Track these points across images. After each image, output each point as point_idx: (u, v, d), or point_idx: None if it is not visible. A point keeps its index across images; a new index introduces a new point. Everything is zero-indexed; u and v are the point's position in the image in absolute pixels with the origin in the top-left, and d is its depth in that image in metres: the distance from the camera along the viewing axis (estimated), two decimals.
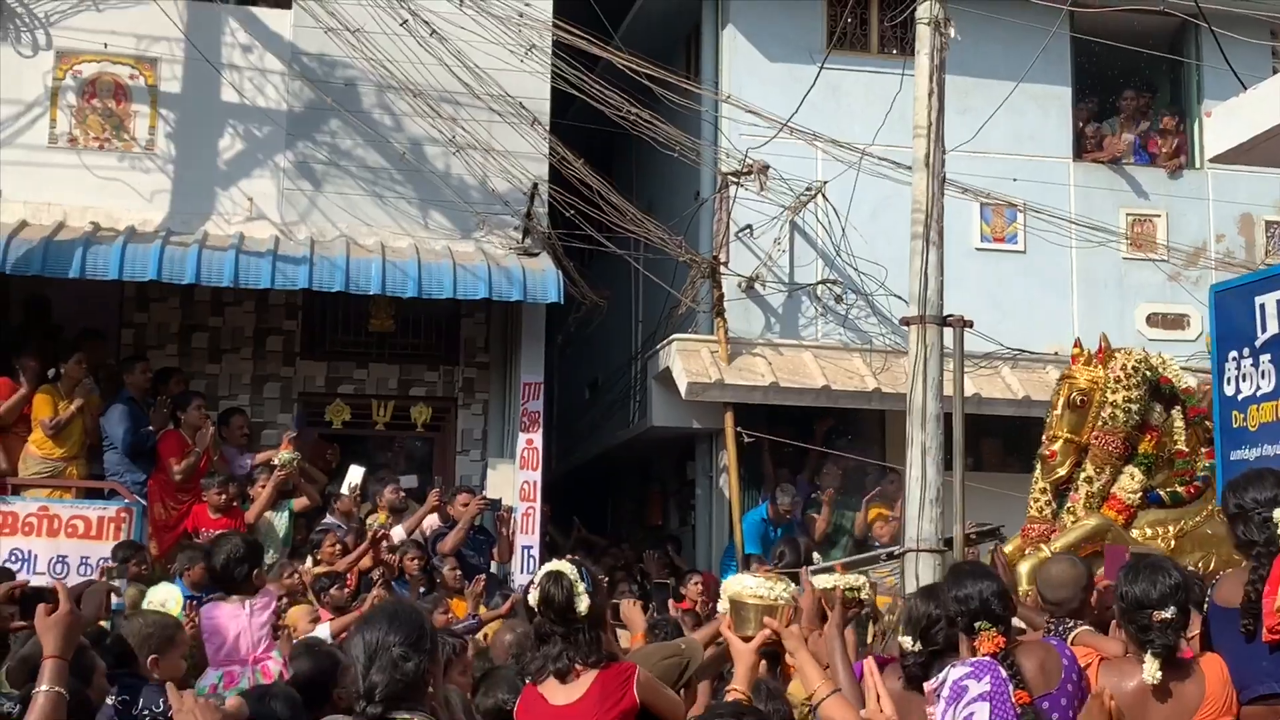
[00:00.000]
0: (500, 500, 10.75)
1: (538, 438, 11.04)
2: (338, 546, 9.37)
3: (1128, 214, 12.97)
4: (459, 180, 11.46)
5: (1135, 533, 7.76)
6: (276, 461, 9.58)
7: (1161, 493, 7.89)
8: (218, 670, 5.07)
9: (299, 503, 9.86)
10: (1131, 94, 13.36)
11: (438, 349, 11.96)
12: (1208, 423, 8.49)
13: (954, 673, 4.07)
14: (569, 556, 4.34)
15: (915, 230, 6.53)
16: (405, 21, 10.78)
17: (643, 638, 4.98)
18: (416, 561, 9.35)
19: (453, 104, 11.26)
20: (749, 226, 12.08)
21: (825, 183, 12.00)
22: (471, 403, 11.89)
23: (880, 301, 12.10)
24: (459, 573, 9.53)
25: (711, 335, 11.82)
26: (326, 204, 11.31)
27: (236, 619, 5.13)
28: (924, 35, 6.55)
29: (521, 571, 10.60)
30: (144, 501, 9.60)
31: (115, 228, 10.67)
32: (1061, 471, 7.71)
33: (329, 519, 10.07)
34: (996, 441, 12.49)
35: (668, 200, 13.40)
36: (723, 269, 11.83)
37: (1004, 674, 3.97)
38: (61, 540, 9.35)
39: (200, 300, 11.44)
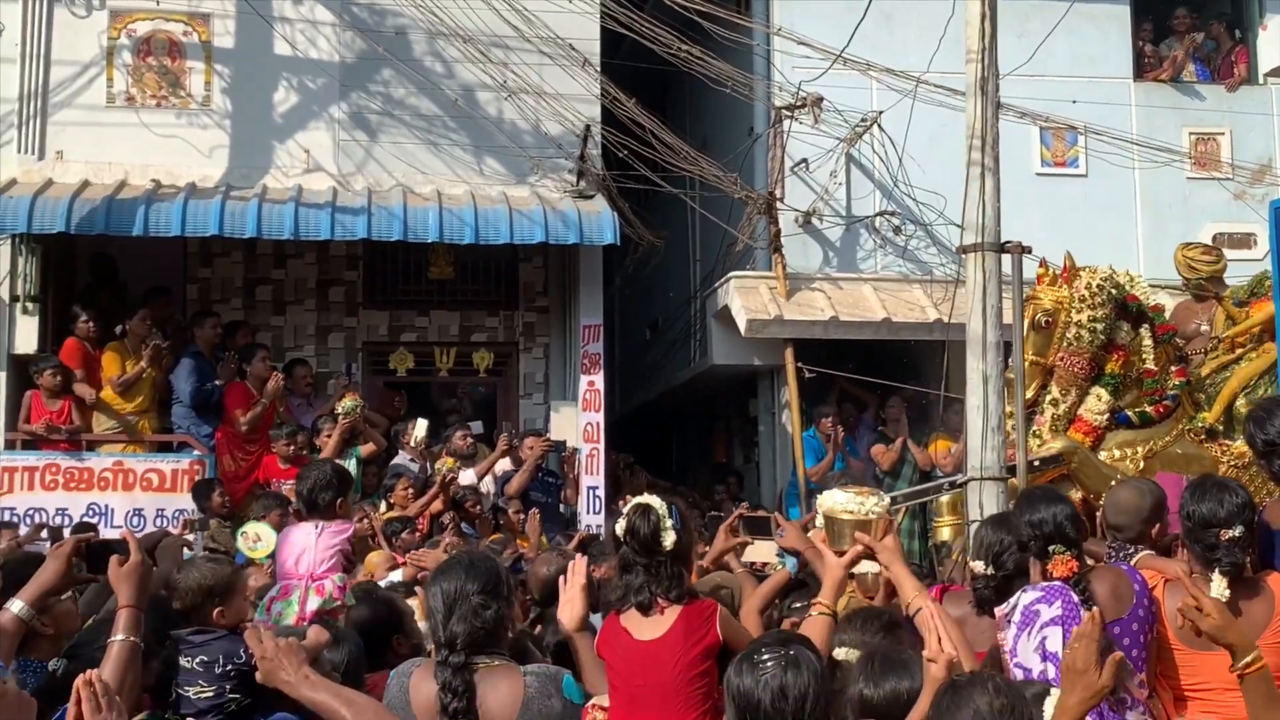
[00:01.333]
0: (564, 442, 10.82)
1: (599, 379, 11.08)
2: (409, 490, 9.48)
3: (1190, 133, 12.72)
4: (512, 125, 11.45)
5: (1103, 454, 7.66)
6: (340, 410, 9.70)
7: (1130, 413, 7.80)
8: (277, 584, 5.19)
9: (366, 449, 9.98)
10: (1187, 11, 13.06)
11: (497, 294, 12.02)
12: (1178, 340, 8.38)
13: (1025, 597, 4.07)
14: (660, 494, 4.40)
15: (972, 157, 6.44)
16: None
17: (695, 577, 5.03)
18: (477, 506, 9.45)
19: (503, 48, 11.22)
20: (804, 160, 12.00)
21: (880, 113, 11.87)
22: (533, 347, 11.96)
23: (939, 231, 12.00)
24: (523, 515, 9.62)
25: (769, 271, 11.79)
26: (382, 154, 11.36)
27: (306, 536, 5.24)
28: None
29: (588, 511, 10.69)
30: (213, 454, 9.77)
31: (176, 184, 10.77)
32: (1028, 394, 7.63)
33: (400, 459, 10.20)
34: None
35: (722, 137, 13.32)
36: (779, 204, 11.76)
37: (1076, 599, 3.97)
38: (137, 494, 9.56)
39: (263, 254, 11.56)
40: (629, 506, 4.22)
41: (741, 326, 11.44)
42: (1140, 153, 12.17)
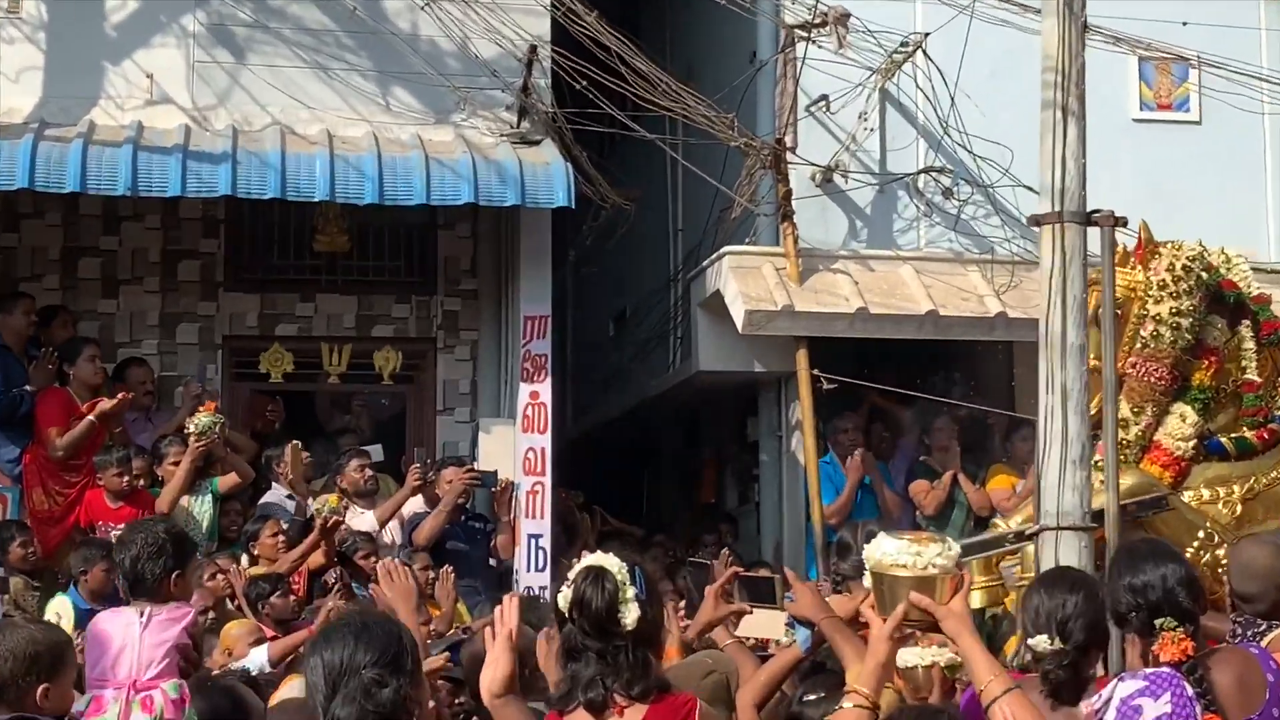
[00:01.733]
0: (495, 474, 10.77)
1: (545, 390, 11.03)
2: (281, 538, 9.42)
3: None
4: (430, 44, 11.39)
5: (1188, 494, 7.69)
6: (192, 429, 9.62)
7: (1224, 439, 7.83)
8: (86, 691, 5.09)
9: (225, 481, 9.90)
10: None
11: (409, 274, 11.97)
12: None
13: (1123, 688, 4.07)
14: (618, 551, 4.39)
15: (1047, 97, 6.44)
16: None
17: (678, 653, 5.00)
18: (370, 559, 9.40)
19: None
20: (824, 98, 11.99)
21: (926, 35, 11.88)
22: (456, 344, 11.91)
23: (1004, 195, 11.99)
24: (432, 573, 9.56)
25: (776, 246, 11.77)
26: (252, 80, 11.26)
27: (127, 629, 5.15)
28: None
29: (529, 568, 10.65)
30: (19, 485, 9.67)
31: None
32: (1090, 412, 7.67)
33: (272, 496, 10.13)
34: None
35: (713, 65, 13.31)
36: (790, 156, 11.75)
37: (1189, 691, 3.97)
38: None
39: (88, 214, 11.47)
40: (577, 570, 4.20)
41: (738, 320, 11.43)
42: (1272, 93, 12.22)
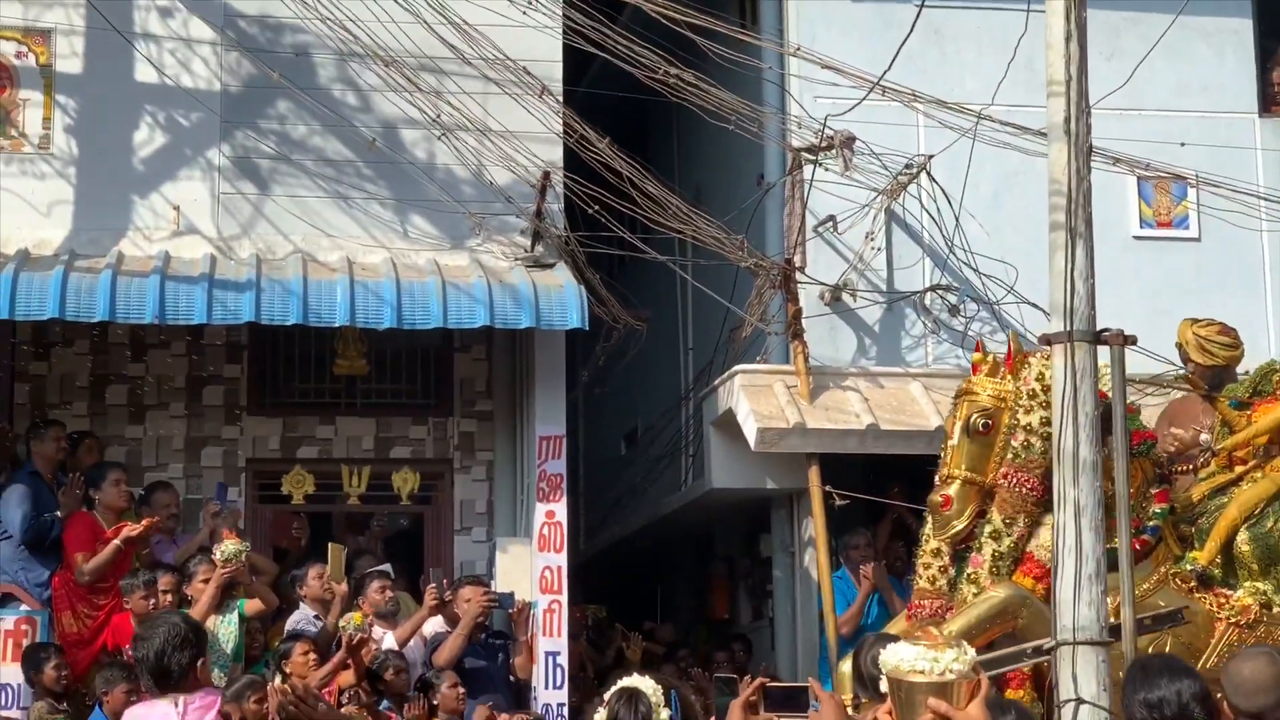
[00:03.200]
0: (513, 594, 10.77)
1: (561, 509, 11.04)
2: (312, 656, 9.40)
3: None
4: (446, 172, 11.52)
5: None
6: (218, 556, 9.63)
7: None
8: None
9: (251, 606, 9.90)
10: None
11: (425, 396, 12.03)
12: (1162, 451, 8.36)
13: None
14: (655, 675, 4.40)
15: (1055, 219, 6.51)
16: None
17: None
18: (402, 675, 9.38)
19: (436, 73, 11.32)
20: (832, 218, 12.09)
21: (931, 157, 11.99)
22: (472, 465, 11.93)
23: (1010, 313, 12.06)
24: (461, 690, 9.55)
25: (787, 364, 11.82)
26: (275, 211, 11.40)
27: (165, 718, 5.16)
28: None
29: (546, 685, 10.61)
30: (49, 609, 9.69)
31: (2, 252, 10.77)
32: (960, 525, 7.63)
33: (299, 616, 10.12)
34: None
35: (722, 188, 13.44)
36: (799, 276, 11.83)
37: None
38: None
39: (116, 343, 11.55)
40: (612, 691, 4.22)
41: (750, 438, 11.45)
42: (1269, 209, 12.32)
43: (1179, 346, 9.14)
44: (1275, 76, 13.18)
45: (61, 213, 11.16)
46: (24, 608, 9.75)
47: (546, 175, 11.37)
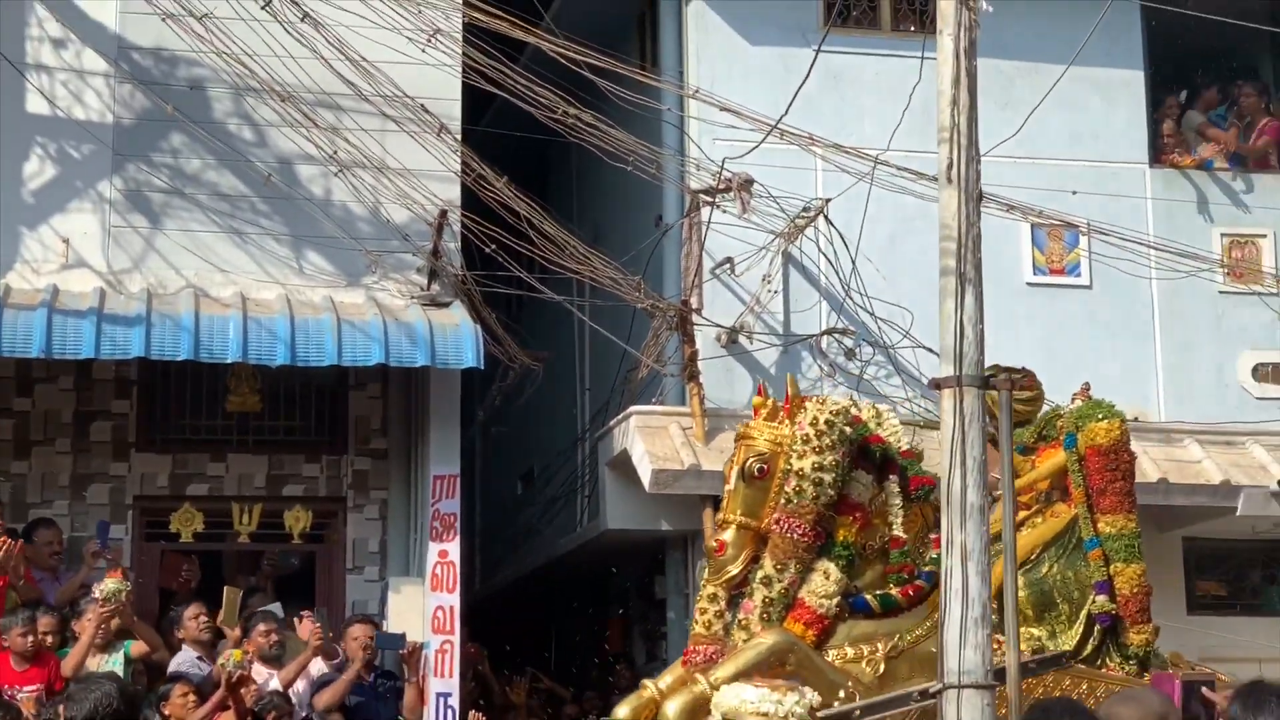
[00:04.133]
0: (404, 636, 10.64)
1: (454, 548, 10.97)
2: (191, 698, 9.22)
3: (1224, 235, 13.08)
4: (343, 209, 11.45)
5: (833, 653, 7.57)
6: (98, 594, 9.44)
7: (869, 596, 7.72)
8: None
9: (137, 648, 9.72)
10: (1216, 83, 13.56)
11: (319, 433, 11.91)
12: (936, 498, 8.43)
13: None
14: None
15: (945, 264, 6.54)
16: (269, 2, 10.81)
17: None
18: (286, 718, 9.23)
19: (333, 109, 11.26)
20: (729, 260, 12.12)
21: (828, 201, 12.06)
22: (365, 504, 11.83)
23: (905, 356, 12.14)
24: None
25: (683, 406, 11.82)
26: (167, 245, 11.28)
27: None
28: (946, 10, 6.60)
29: None
30: None
31: None
32: (734, 569, 7.63)
33: (182, 658, 9.94)
34: None
35: (620, 228, 13.44)
36: (696, 317, 11.84)
37: None
38: None
39: (2, 376, 11.35)
40: None
41: (645, 479, 11.42)
42: (1159, 259, 12.47)
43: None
44: (1165, 128, 13.37)
45: None
46: None
47: (444, 214, 11.35)
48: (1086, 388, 9.38)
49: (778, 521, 7.50)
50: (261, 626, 10.05)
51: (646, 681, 7.73)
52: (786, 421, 7.65)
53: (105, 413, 11.57)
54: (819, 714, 4.01)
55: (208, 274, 11.26)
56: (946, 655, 6.29)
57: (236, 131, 11.42)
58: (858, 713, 7.29)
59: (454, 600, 10.90)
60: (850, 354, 12.29)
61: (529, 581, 15.18)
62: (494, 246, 11.07)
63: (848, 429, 7.63)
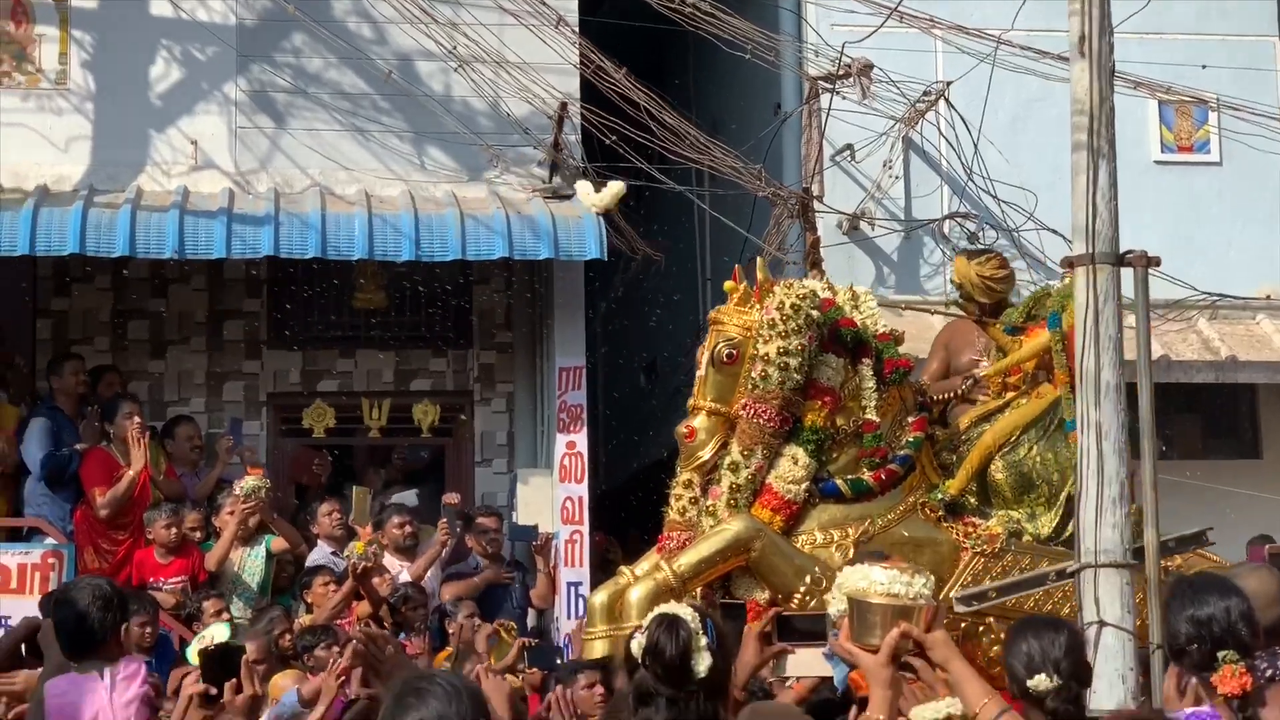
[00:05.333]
0: (536, 528, 10.74)
1: (581, 439, 11.03)
2: (332, 587, 9.38)
3: None
4: (463, 104, 11.45)
5: (802, 539, 7.37)
6: (238, 491, 9.60)
7: (839, 481, 7.48)
8: None
9: (278, 543, 9.89)
10: None
11: (445, 329, 12.00)
12: (915, 380, 8.15)
13: None
14: (690, 601, 4.38)
15: (1077, 139, 6.40)
16: None
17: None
18: (420, 609, 9.35)
19: (451, 4, 11.24)
20: (849, 147, 12.02)
21: (949, 83, 11.89)
22: (492, 397, 11.92)
23: (1030, 239, 11.97)
24: (478, 620, 9.44)
25: None
26: (292, 145, 11.35)
27: (93, 696, 4.93)
28: None
29: (569, 615, 10.60)
30: (74, 543, 9.69)
31: (21, 188, 10.75)
32: (705, 455, 7.38)
33: (318, 553, 10.10)
34: (1194, 418, 12.35)
35: (740, 118, 13.34)
36: (817, 204, 11.76)
37: None
38: None
39: (136, 278, 11.53)
40: (651, 618, 4.19)
41: None
42: None
43: (958, 285, 8.88)
44: None
45: (80, 148, 11.13)
46: (50, 541, 9.75)
47: (563, 106, 11.32)
48: (1071, 268, 9.07)
49: (745, 407, 7.31)
50: (396, 519, 10.15)
51: (623, 568, 7.66)
52: (756, 306, 7.48)
53: (237, 312, 11.74)
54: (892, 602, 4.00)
55: (332, 172, 11.34)
56: (1083, 534, 6.23)
57: (356, 30, 11.45)
58: (993, 593, 7.25)
59: (582, 490, 10.97)
60: (973, 238, 12.15)
61: (654, 471, 15.23)
62: (614, 138, 11.03)
63: (815, 313, 7.39)
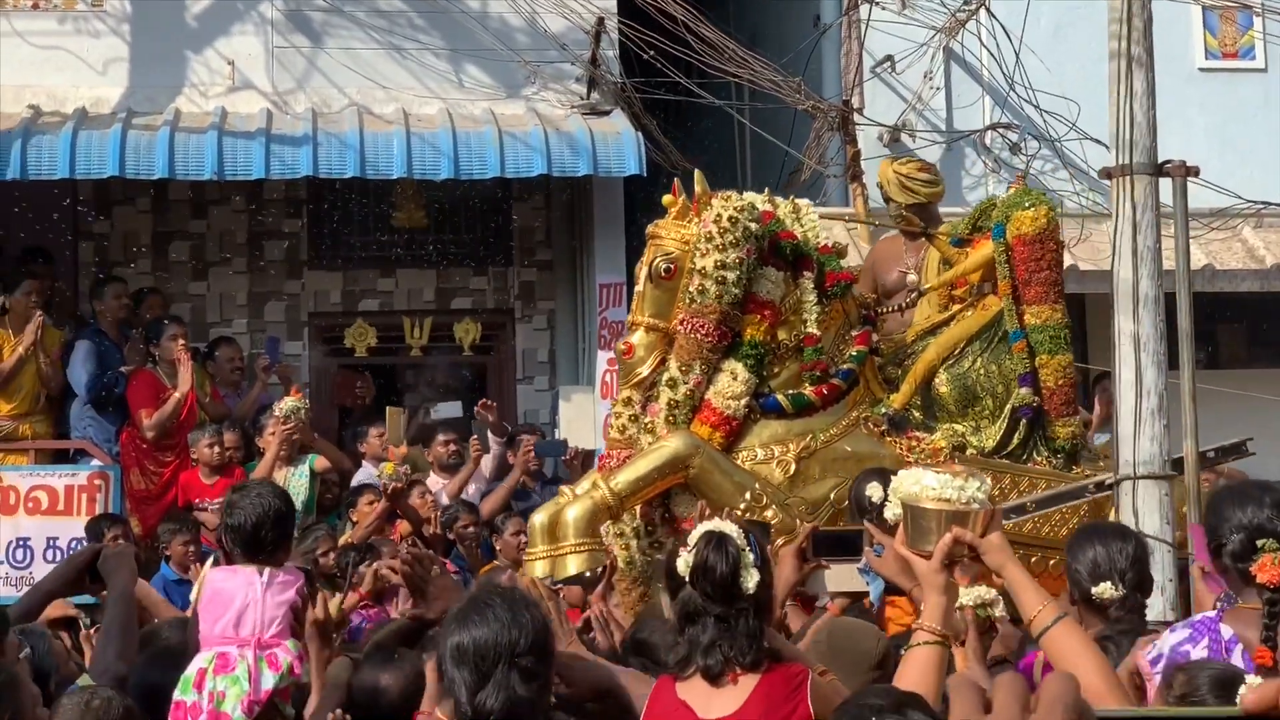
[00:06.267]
0: (565, 443, 10.71)
1: None
2: (376, 505, 9.40)
3: None
4: (499, 21, 11.39)
5: (742, 455, 7.25)
6: (278, 413, 9.63)
7: (780, 396, 7.33)
8: (209, 649, 5.04)
9: (321, 463, 9.92)
10: None
11: (485, 246, 12.00)
12: (861, 293, 8.00)
13: (1171, 638, 4.05)
14: (734, 516, 4.36)
15: (1114, 48, 6.34)
16: None
17: None
18: (471, 528, 9.38)
19: None
20: (889, 58, 11.91)
21: None
22: (533, 314, 11.93)
23: (1072, 149, 11.86)
24: (524, 537, 9.47)
25: (846, 207, 11.70)
26: (329, 64, 11.33)
27: (250, 587, 5.11)
28: None
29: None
30: (119, 464, 9.77)
31: (60, 111, 10.79)
32: (644, 372, 7.24)
33: (362, 475, 10.15)
34: (1237, 327, 12.29)
35: (778, 30, 13.23)
36: (857, 117, 11.68)
37: (1226, 636, 3.96)
38: (21, 519, 9.56)
39: (177, 200, 11.57)
40: (697, 534, 4.16)
41: None
42: None
43: (880, 186, 8.75)
44: None
45: (117, 70, 11.14)
46: (96, 463, 9.83)
47: (601, 21, 11.26)
48: (1021, 177, 8.99)
49: (682, 322, 7.22)
50: (441, 437, 10.16)
51: (564, 488, 7.64)
52: (695, 220, 7.37)
53: (278, 232, 11.77)
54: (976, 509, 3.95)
55: (369, 91, 11.31)
56: (1121, 446, 6.23)
57: None
58: (1031, 505, 7.23)
59: None
60: (1015, 149, 12.06)
61: None
62: (652, 53, 10.97)
63: (753, 225, 7.26)
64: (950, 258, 8.12)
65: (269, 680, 4.95)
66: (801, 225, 7.56)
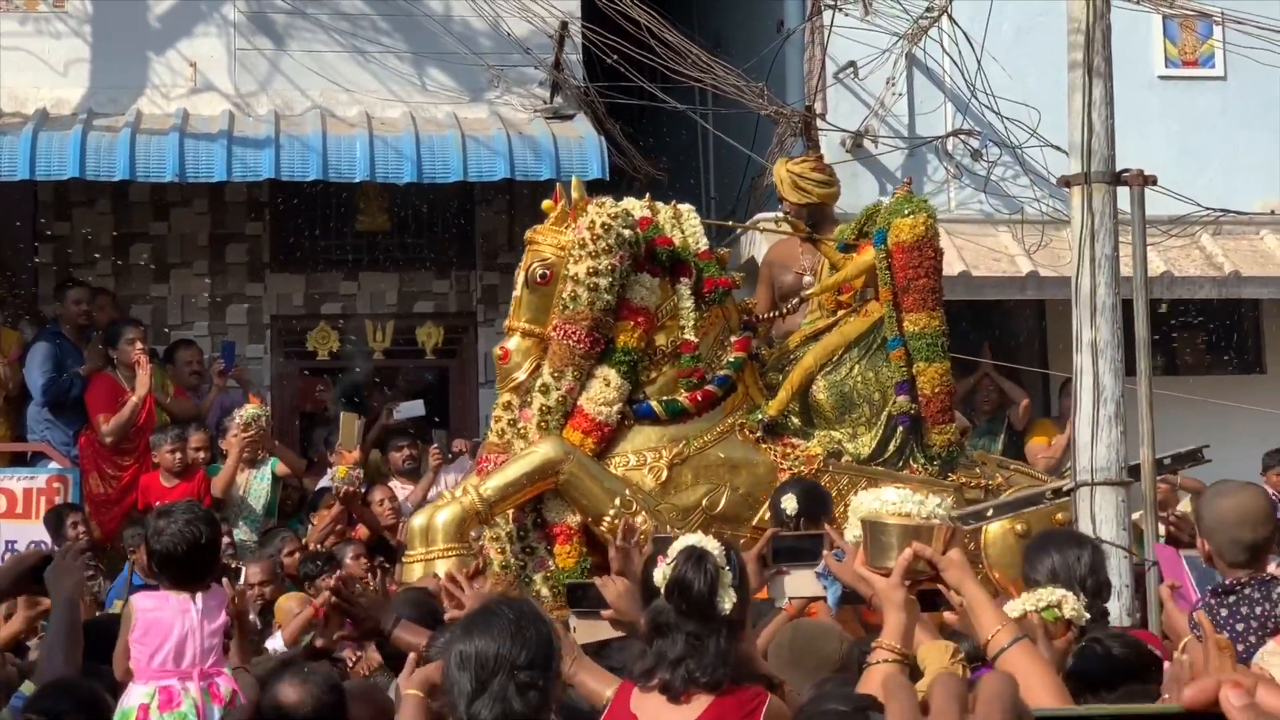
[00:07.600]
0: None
1: None
2: (337, 508, 9.41)
3: None
4: (463, 25, 11.39)
5: (615, 461, 7.31)
6: (238, 420, 9.60)
7: (654, 403, 7.38)
8: (148, 683, 4.97)
9: (281, 468, 9.90)
10: None
11: (447, 250, 11.99)
12: (742, 299, 8.04)
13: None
14: (717, 535, 4.35)
15: (1074, 58, 6.39)
16: None
17: None
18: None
19: None
20: (852, 64, 11.92)
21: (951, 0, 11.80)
22: (496, 318, 11.86)
23: (1033, 155, 11.91)
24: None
25: None
26: (292, 66, 11.31)
27: (185, 615, 5.05)
28: None
29: None
30: (78, 467, 9.72)
31: (20, 111, 10.74)
32: (520, 377, 7.30)
33: (327, 480, 10.10)
34: (1196, 334, 12.31)
35: (742, 35, 13.25)
36: (820, 122, 11.70)
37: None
38: None
39: (137, 201, 11.52)
40: (678, 548, 4.13)
41: None
42: None
43: (775, 185, 8.83)
44: None
45: (78, 71, 11.11)
46: (54, 466, 9.78)
47: (564, 25, 11.25)
48: (907, 183, 9.00)
49: (556, 328, 7.26)
50: (397, 443, 10.19)
51: (445, 491, 7.69)
52: (572, 226, 7.38)
53: (239, 235, 11.75)
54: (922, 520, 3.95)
55: (332, 94, 11.31)
56: (1078, 453, 6.26)
57: None
58: (990, 511, 7.27)
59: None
60: (977, 155, 12.09)
61: None
62: (615, 57, 10.97)
63: (627, 232, 7.28)
64: (835, 262, 8.13)
65: (215, 714, 4.90)
66: (682, 231, 7.58)
